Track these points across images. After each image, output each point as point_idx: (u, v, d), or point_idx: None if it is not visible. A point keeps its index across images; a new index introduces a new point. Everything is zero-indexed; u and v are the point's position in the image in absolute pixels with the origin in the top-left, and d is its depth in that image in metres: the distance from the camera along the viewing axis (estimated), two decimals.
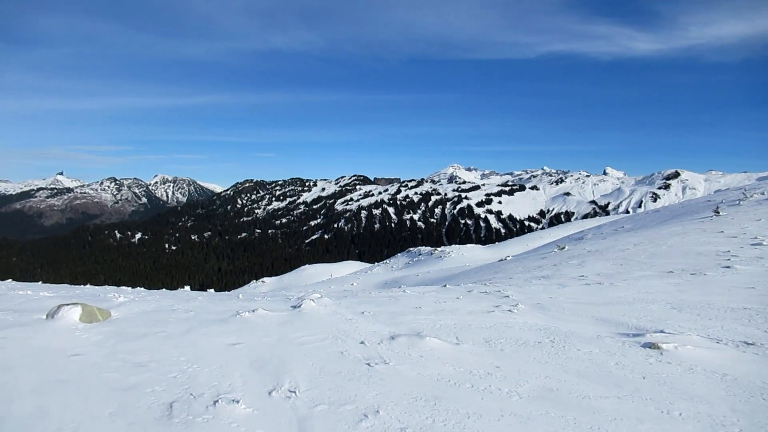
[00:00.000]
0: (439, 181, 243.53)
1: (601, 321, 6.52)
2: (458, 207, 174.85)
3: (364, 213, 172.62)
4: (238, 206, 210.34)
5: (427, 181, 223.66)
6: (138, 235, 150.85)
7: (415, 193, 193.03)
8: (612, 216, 69.07)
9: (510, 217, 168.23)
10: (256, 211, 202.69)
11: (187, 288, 15.85)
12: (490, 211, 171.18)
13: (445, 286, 11.85)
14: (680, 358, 4.86)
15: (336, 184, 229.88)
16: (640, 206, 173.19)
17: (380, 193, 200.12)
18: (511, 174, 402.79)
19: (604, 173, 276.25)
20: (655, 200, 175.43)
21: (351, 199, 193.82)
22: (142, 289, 13.48)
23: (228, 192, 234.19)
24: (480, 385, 4.29)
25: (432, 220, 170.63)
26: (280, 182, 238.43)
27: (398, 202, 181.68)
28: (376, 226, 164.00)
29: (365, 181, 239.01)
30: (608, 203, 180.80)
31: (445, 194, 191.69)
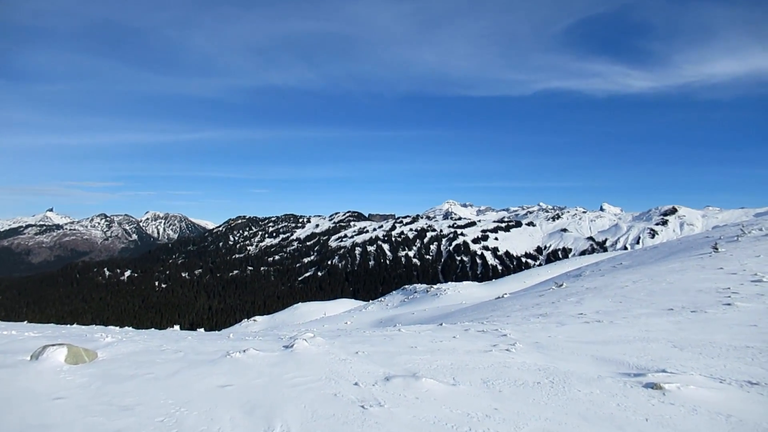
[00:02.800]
0: (434, 218, 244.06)
1: (602, 360, 6.45)
2: (454, 243, 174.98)
3: (358, 250, 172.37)
4: (230, 243, 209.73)
5: (422, 218, 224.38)
6: (127, 273, 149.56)
7: (411, 230, 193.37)
8: (610, 252, 69.11)
9: (507, 253, 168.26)
10: (248, 247, 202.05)
11: (177, 327, 15.66)
12: (486, 248, 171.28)
13: (441, 324, 11.75)
14: (683, 399, 4.79)
15: (330, 220, 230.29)
16: (638, 242, 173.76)
17: (375, 229, 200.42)
18: (507, 210, 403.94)
19: (601, 209, 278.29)
20: (653, 236, 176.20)
21: (345, 236, 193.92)
22: (131, 328, 13.31)
23: (220, 228, 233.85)
24: (478, 428, 4.21)
25: (428, 256, 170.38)
26: (273, 218, 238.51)
27: (393, 239, 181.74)
28: (371, 263, 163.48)
29: (359, 217, 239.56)
30: (606, 239, 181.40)
31: (441, 231, 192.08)
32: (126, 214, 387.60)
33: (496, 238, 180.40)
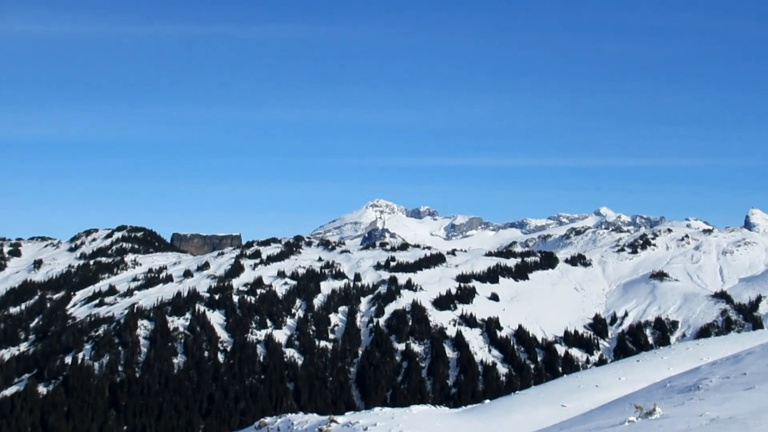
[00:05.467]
0: (340, 244, 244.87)
1: None
2: (390, 310, 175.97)
3: (145, 327, 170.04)
4: None
5: (309, 243, 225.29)
6: None
7: (279, 275, 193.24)
8: None
9: (520, 334, 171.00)
10: None
11: None
12: (469, 320, 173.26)
13: None
14: None
15: (73, 250, 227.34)
16: None
17: (187, 274, 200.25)
18: (520, 227, 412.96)
19: (748, 225, 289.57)
20: None
21: (111, 292, 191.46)
22: None
23: None
24: None
25: (324, 343, 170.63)
26: None
27: (235, 297, 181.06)
28: (177, 360, 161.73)
29: (150, 241, 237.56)
30: (758, 298, 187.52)
31: (358, 275, 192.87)
32: None
33: (494, 296, 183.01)
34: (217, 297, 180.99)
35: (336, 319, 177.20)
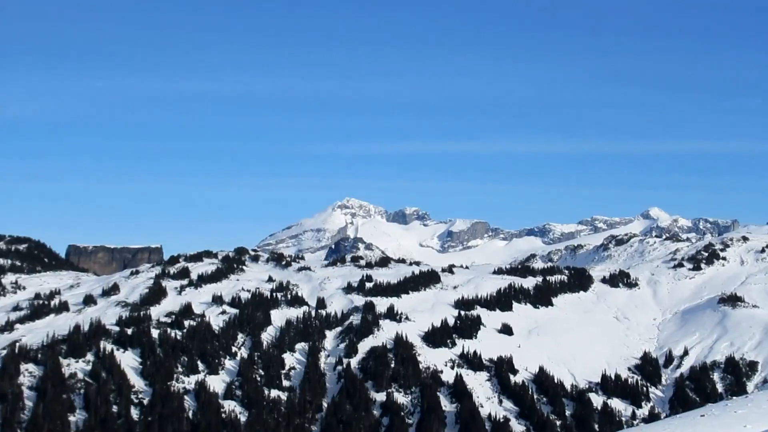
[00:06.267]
0: (300, 258, 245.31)
1: None
2: (366, 347, 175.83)
3: (31, 372, 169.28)
4: None
5: (256, 258, 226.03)
6: None
7: (215, 301, 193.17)
8: None
9: (541, 379, 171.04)
10: None
11: None
12: (472, 360, 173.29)
13: None
14: None
15: None
16: None
17: (86, 302, 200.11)
18: (541, 234, 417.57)
19: None
20: None
21: None
22: None
23: None
24: None
25: (276, 392, 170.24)
26: None
27: (155, 332, 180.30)
28: (75, 417, 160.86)
29: (36, 256, 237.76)
30: None
31: (322, 301, 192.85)
32: None
33: (506, 328, 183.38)
34: (129, 332, 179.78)
35: (292, 360, 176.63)
